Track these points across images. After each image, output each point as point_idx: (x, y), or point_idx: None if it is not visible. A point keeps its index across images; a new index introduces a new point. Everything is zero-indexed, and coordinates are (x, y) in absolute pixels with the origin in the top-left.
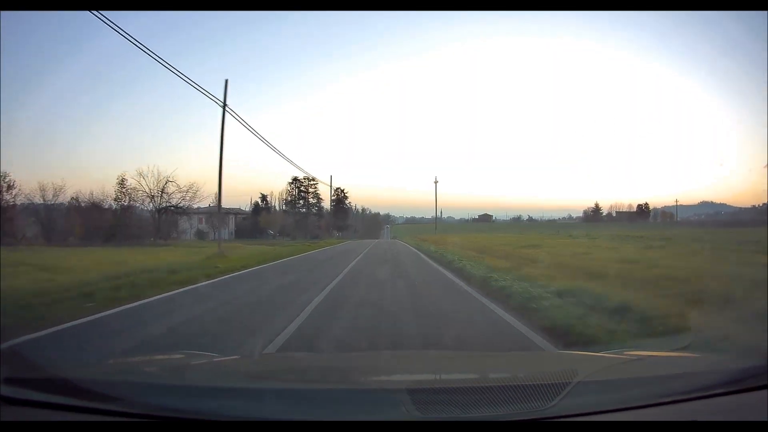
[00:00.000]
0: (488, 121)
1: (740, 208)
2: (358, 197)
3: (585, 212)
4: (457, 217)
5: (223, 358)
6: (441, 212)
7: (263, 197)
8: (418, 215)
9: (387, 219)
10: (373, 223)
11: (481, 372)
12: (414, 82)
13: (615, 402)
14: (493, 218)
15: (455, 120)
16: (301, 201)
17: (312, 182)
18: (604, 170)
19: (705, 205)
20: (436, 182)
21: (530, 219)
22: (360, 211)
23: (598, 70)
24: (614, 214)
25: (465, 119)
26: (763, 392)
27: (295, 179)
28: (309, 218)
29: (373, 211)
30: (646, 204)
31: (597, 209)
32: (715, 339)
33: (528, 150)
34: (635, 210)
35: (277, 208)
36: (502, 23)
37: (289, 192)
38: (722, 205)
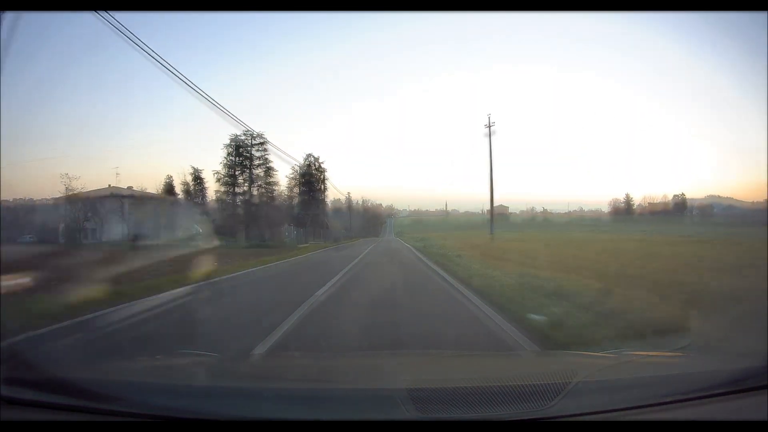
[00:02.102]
0: (496, 112)
1: (753, 203)
2: (357, 189)
3: (614, 205)
4: (461, 209)
5: (222, 358)
6: (446, 205)
7: (195, 173)
8: (422, 208)
9: (390, 212)
10: (372, 216)
11: (481, 372)
12: (417, 66)
13: (614, 402)
14: (510, 211)
15: (460, 111)
16: (242, 174)
17: (258, 140)
18: (605, 165)
19: (712, 199)
20: (489, 125)
21: (545, 211)
22: (359, 203)
23: (599, 66)
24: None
25: (472, 110)
26: (763, 393)
27: (235, 139)
28: (256, 207)
29: (374, 202)
30: (683, 196)
31: (628, 202)
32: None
33: (532, 144)
34: (670, 203)
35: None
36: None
37: (225, 161)
38: (729, 200)
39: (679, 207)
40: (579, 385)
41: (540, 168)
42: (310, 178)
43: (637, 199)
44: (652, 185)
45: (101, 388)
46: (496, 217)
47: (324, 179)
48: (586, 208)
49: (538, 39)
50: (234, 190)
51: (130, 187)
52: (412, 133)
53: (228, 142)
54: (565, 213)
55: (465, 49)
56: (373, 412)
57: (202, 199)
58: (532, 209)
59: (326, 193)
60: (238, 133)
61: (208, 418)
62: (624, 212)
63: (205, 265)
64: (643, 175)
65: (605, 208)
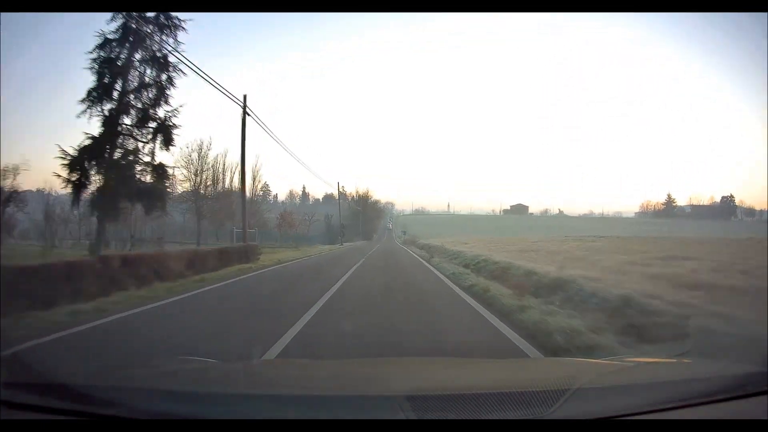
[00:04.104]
0: (514, 112)
1: None
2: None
3: (647, 206)
4: (461, 209)
5: (222, 364)
6: (449, 206)
7: None
8: (423, 208)
9: (390, 208)
10: (370, 211)
11: (481, 378)
12: (422, 56)
13: (614, 409)
14: (529, 210)
15: (471, 102)
16: None
17: None
18: (612, 168)
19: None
20: None
21: (561, 213)
22: (354, 194)
23: (609, 61)
24: (688, 210)
25: (483, 101)
26: (763, 398)
27: None
28: None
29: (370, 194)
30: (732, 197)
31: (670, 201)
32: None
33: (550, 145)
34: (717, 203)
35: None
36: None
37: None
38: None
39: (728, 208)
40: (578, 391)
41: (558, 169)
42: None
43: (680, 200)
44: (665, 189)
45: (101, 393)
46: (516, 216)
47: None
48: (597, 210)
49: (558, 37)
50: None
51: None
52: (413, 134)
53: None
54: (583, 216)
55: (480, 44)
56: (372, 417)
57: None
58: (546, 211)
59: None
60: None
61: (207, 418)
62: (664, 214)
63: None
64: (636, 181)
65: (625, 210)
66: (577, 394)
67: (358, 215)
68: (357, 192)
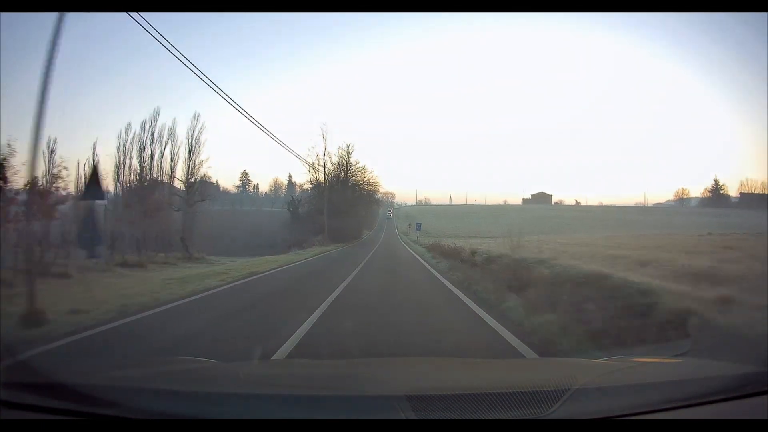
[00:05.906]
0: (513, 97)
1: None
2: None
3: (686, 195)
4: (468, 201)
5: (222, 364)
6: (450, 198)
7: None
8: (425, 200)
9: (390, 201)
10: (355, 194)
11: (481, 378)
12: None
13: (614, 409)
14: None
15: (474, 93)
16: None
17: None
18: (628, 157)
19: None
20: None
21: (578, 204)
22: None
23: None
24: (735, 199)
25: (486, 90)
26: (763, 398)
27: None
28: None
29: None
30: None
31: (717, 188)
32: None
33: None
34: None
35: None
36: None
37: None
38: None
39: None
40: (578, 391)
41: (568, 159)
42: None
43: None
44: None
45: (100, 393)
46: (537, 205)
47: None
48: (605, 201)
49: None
50: None
51: None
52: (411, 126)
53: None
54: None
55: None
56: (371, 416)
57: None
58: (561, 201)
59: None
60: None
61: (206, 418)
62: (714, 202)
63: None
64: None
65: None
66: (577, 394)
67: (329, 193)
68: (328, 152)
